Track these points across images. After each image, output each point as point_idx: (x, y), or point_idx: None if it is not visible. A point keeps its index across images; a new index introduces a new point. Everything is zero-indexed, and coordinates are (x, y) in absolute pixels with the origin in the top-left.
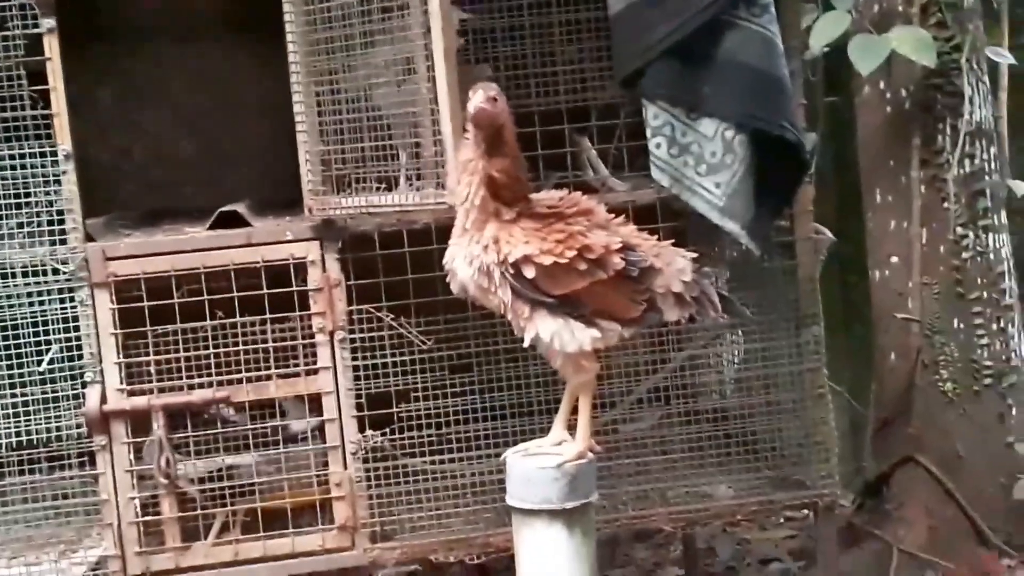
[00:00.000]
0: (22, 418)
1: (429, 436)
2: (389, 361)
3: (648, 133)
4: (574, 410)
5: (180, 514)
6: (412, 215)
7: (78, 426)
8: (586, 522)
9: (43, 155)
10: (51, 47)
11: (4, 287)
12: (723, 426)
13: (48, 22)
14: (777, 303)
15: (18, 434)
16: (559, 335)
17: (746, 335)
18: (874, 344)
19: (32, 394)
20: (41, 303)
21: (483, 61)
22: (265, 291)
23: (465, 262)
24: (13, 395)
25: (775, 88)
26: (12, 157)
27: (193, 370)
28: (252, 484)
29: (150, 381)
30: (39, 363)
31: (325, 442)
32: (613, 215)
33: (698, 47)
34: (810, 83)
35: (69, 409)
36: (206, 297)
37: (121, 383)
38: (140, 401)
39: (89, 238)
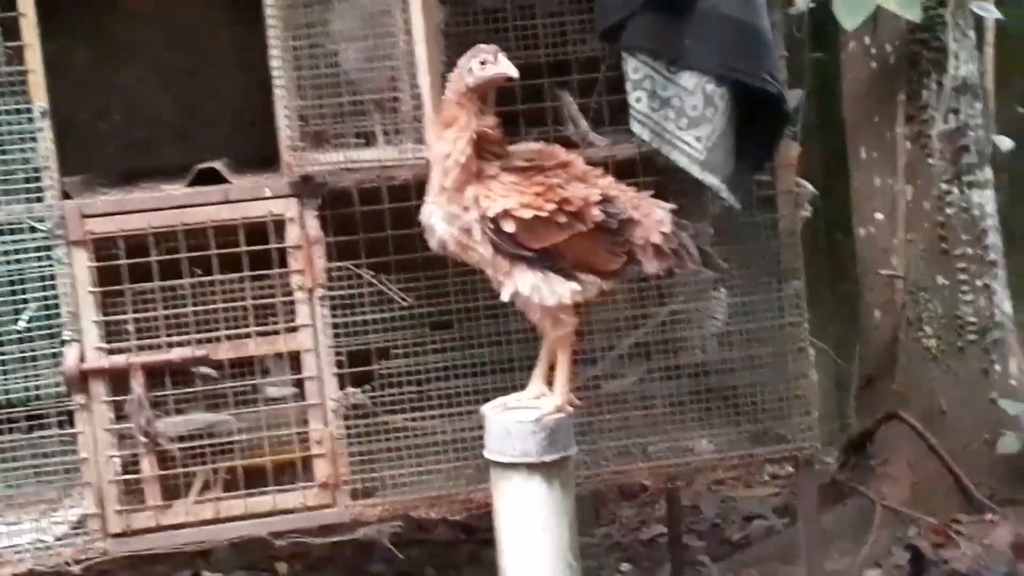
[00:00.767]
0: (0, 377)
1: (410, 393)
2: (369, 318)
3: (628, 87)
4: (553, 365)
5: (161, 472)
6: (391, 171)
7: (57, 385)
8: (565, 476)
9: (19, 112)
10: (25, 2)
11: None
12: (704, 381)
13: None
14: (758, 257)
15: None
16: (538, 289)
17: (728, 290)
18: (859, 301)
19: (10, 353)
20: (18, 261)
21: (461, 15)
22: (244, 248)
23: (443, 220)
24: None
25: (756, 40)
26: None
27: (172, 328)
28: (233, 442)
29: (129, 339)
30: (16, 322)
31: (305, 400)
32: (591, 167)
33: None
34: (795, 39)
35: (48, 368)
36: (185, 255)
37: (100, 341)
38: (119, 359)
39: (66, 196)
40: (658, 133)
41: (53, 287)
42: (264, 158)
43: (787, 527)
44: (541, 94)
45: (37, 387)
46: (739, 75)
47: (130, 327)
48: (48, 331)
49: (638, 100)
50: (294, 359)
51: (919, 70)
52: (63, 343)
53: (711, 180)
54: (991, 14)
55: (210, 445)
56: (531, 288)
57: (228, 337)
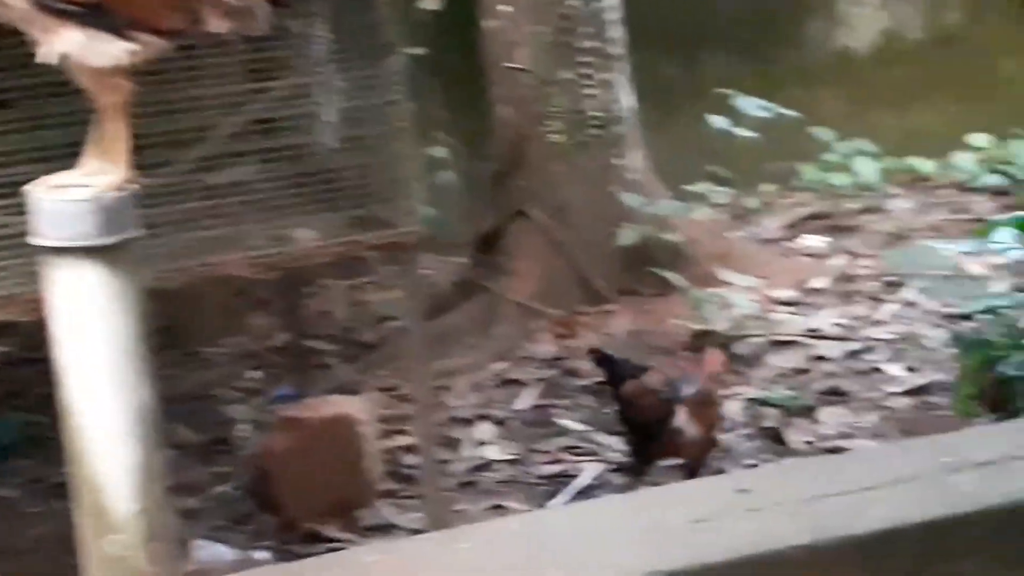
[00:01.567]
0: None
1: None
2: None
3: None
4: (109, 137)
5: None
6: None
7: None
8: (129, 262)
9: None
10: None
11: None
12: (304, 164)
13: None
14: (355, 31)
15: None
16: (87, 48)
17: (325, 67)
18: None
19: None
20: None
21: None
22: None
23: None
24: None
25: None
26: None
27: None
28: None
29: None
30: None
31: None
32: None
33: None
34: None
35: None
36: None
37: None
38: None
39: None
40: None
41: None
42: None
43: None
44: None
45: None
46: None
47: None
48: None
49: None
50: None
51: None
52: None
53: None
54: None
55: None
56: (78, 47)
57: None
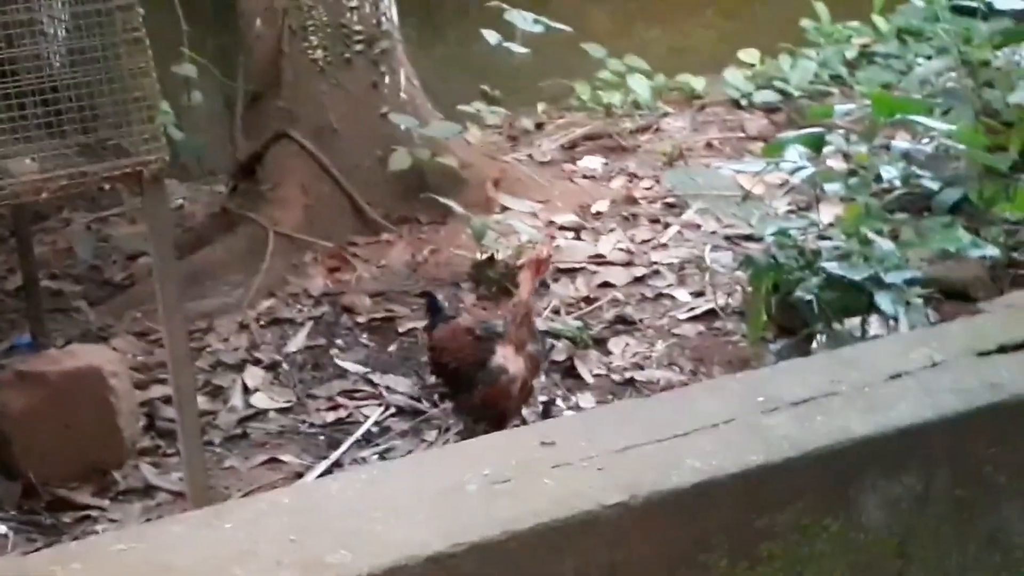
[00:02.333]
0: None
1: None
2: None
3: None
4: None
5: None
6: None
7: None
8: None
9: None
10: None
11: None
12: (17, 82)
13: None
14: None
15: None
16: None
17: None
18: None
19: None
20: None
21: None
22: None
23: None
24: None
25: None
26: None
27: None
28: None
29: None
30: None
31: None
32: None
33: None
34: None
35: None
36: None
37: None
38: None
39: None
40: None
41: None
42: None
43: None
44: None
45: None
46: None
47: None
48: None
49: None
50: None
51: None
52: None
53: None
54: None
55: None
56: None
57: None
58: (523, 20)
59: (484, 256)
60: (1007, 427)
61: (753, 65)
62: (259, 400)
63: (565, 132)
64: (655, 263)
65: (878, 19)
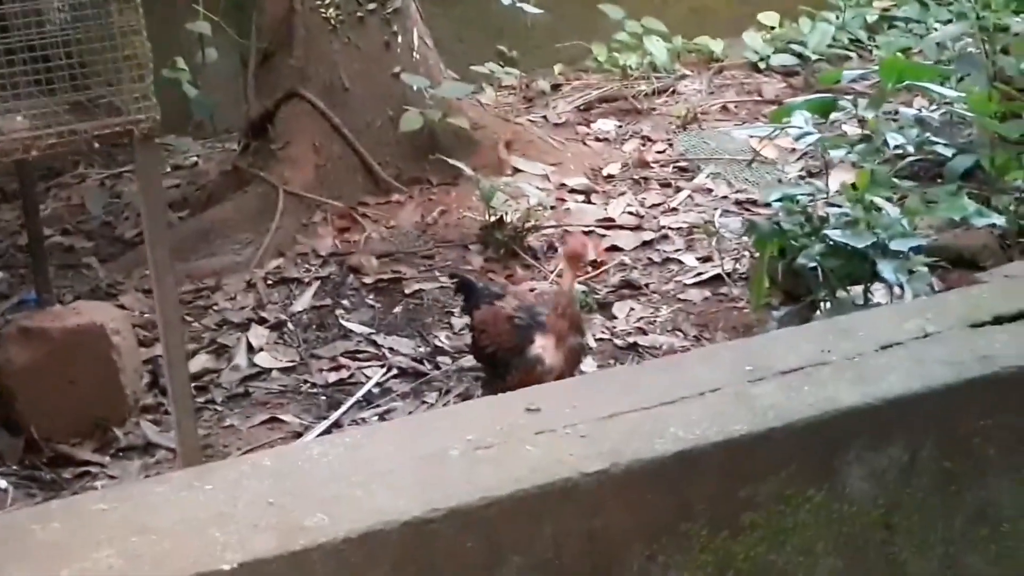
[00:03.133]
0: None
1: None
2: None
3: None
4: None
5: None
6: None
7: None
8: None
9: None
10: None
11: None
12: (7, 40)
13: None
14: None
15: None
16: None
17: None
18: None
19: None
20: None
21: None
22: None
23: None
24: None
25: None
26: None
27: None
28: None
29: None
30: None
31: None
32: None
33: None
34: None
35: None
36: None
37: None
38: None
39: None
40: None
41: None
42: None
43: (185, 219)
44: None
45: None
46: None
47: None
48: None
49: None
50: None
51: None
52: None
53: None
54: None
55: None
56: None
57: None
58: None
59: (493, 219)
60: (997, 400)
61: (773, 28)
62: (263, 359)
63: (581, 94)
64: (664, 227)
65: None
